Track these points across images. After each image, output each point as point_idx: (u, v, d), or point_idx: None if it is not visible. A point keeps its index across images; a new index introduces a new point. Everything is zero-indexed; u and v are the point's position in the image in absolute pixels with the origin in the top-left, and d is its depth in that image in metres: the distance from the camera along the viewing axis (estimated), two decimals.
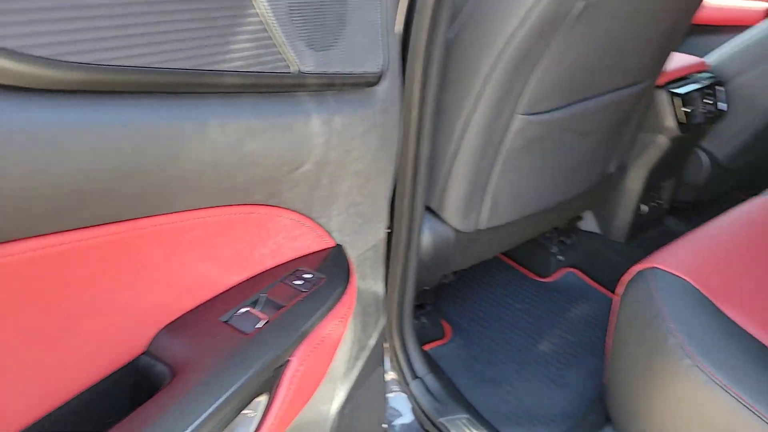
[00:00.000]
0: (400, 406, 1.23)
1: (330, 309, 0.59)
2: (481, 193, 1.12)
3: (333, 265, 0.63)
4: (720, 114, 1.47)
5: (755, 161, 1.70)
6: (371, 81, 0.56)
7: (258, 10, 0.42)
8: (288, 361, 0.54)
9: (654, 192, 1.65)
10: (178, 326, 0.51)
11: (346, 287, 0.61)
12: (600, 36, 0.99)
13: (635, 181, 1.54)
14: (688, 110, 1.39)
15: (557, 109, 1.07)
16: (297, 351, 0.55)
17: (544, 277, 1.64)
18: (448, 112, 1.00)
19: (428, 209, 1.16)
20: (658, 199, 1.67)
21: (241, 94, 0.45)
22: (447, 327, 1.46)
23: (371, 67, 0.55)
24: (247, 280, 0.58)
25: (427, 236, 1.14)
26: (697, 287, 0.92)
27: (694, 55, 1.61)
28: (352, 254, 0.69)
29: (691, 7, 1.13)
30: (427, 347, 1.39)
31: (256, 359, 0.50)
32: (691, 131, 1.43)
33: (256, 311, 0.54)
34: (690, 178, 1.67)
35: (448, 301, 1.54)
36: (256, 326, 0.53)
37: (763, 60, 1.43)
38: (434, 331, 1.42)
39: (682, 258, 0.98)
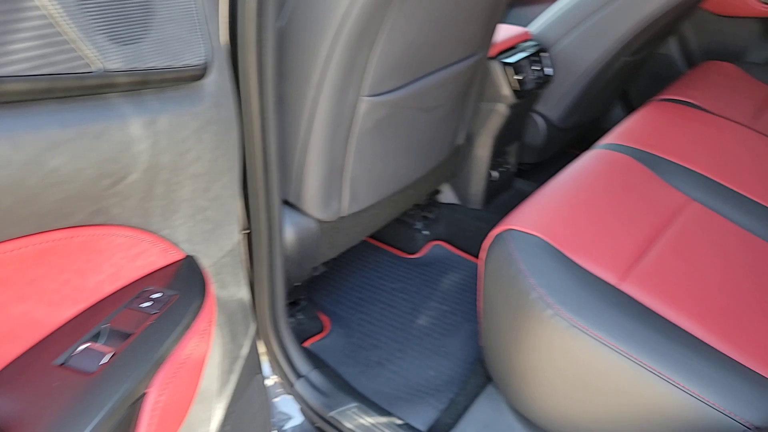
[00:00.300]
0: (289, 409, 1.19)
1: (187, 327, 0.54)
2: (339, 179, 1.11)
3: (185, 279, 0.57)
4: (548, 79, 1.58)
5: (584, 119, 1.87)
6: (196, 74, 0.52)
7: (38, 3, 0.36)
8: (145, 393, 0.49)
9: (501, 158, 1.75)
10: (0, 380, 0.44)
11: (202, 301, 0.56)
12: (432, 11, 1.00)
13: (483, 149, 1.62)
14: (520, 77, 1.48)
15: (401, 87, 1.08)
16: (155, 380, 0.50)
17: (412, 253, 1.68)
18: (291, 101, 0.97)
19: (287, 203, 1.13)
20: (506, 164, 1.78)
21: (34, 102, 0.38)
22: (325, 319, 1.44)
23: (193, 59, 0.50)
24: (84, 312, 0.51)
25: (290, 231, 1.10)
26: (549, 241, 0.98)
27: (518, 25, 1.72)
28: (207, 263, 0.64)
29: None
30: (307, 343, 1.36)
31: (104, 400, 0.44)
32: (525, 97, 1.52)
33: (98, 345, 0.48)
34: (530, 141, 1.79)
35: (323, 292, 1.52)
36: (101, 362, 0.46)
37: (577, 25, 1.56)
38: (312, 325, 1.40)
39: (533, 216, 1.04)
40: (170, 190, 0.54)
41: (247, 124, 0.82)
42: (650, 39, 1.65)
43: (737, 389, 0.77)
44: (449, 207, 1.76)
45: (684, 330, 0.87)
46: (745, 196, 1.19)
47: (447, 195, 1.76)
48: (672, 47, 2.11)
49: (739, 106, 1.55)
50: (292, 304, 1.40)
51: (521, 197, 1.88)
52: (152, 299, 0.53)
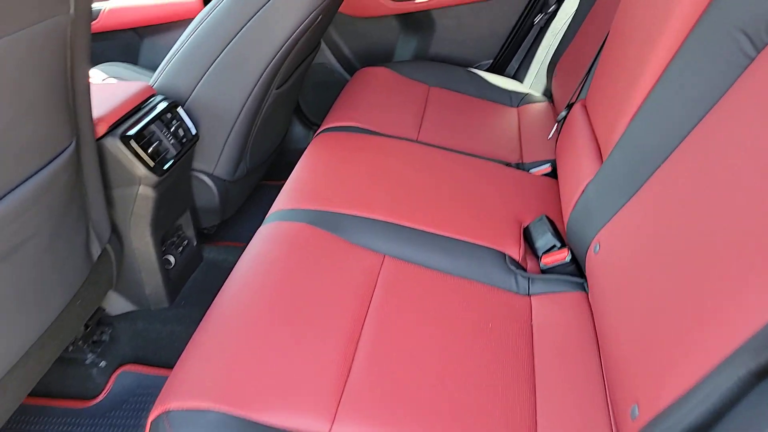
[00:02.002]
0: None
1: None
2: None
3: None
4: (193, 137, 1.28)
5: (259, 160, 1.63)
6: None
7: None
8: None
9: (174, 237, 1.41)
10: None
11: None
12: None
13: (142, 239, 1.26)
14: (154, 147, 1.15)
15: None
16: None
17: (93, 397, 1.25)
18: None
19: None
20: (183, 241, 1.45)
21: None
22: None
23: None
24: None
25: None
26: (228, 411, 0.69)
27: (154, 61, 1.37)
28: None
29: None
30: None
31: None
32: (170, 169, 1.19)
33: None
34: (205, 204, 1.48)
35: None
36: None
37: (207, 70, 1.27)
38: None
39: (198, 377, 0.74)
40: None
41: None
42: (295, 64, 1.46)
43: None
44: (126, 317, 1.36)
45: None
46: (423, 232, 1.06)
47: (118, 304, 1.36)
48: (329, 56, 1.99)
49: (400, 117, 1.46)
50: None
51: (216, 269, 1.57)
52: None
